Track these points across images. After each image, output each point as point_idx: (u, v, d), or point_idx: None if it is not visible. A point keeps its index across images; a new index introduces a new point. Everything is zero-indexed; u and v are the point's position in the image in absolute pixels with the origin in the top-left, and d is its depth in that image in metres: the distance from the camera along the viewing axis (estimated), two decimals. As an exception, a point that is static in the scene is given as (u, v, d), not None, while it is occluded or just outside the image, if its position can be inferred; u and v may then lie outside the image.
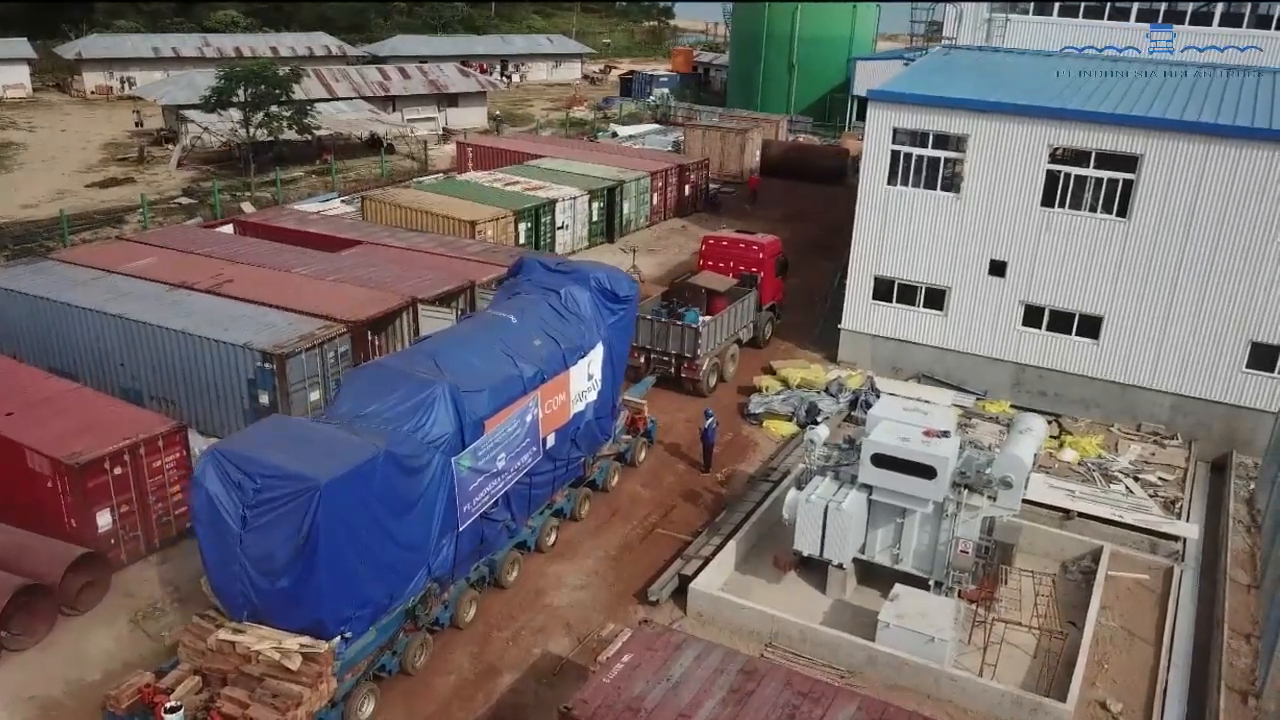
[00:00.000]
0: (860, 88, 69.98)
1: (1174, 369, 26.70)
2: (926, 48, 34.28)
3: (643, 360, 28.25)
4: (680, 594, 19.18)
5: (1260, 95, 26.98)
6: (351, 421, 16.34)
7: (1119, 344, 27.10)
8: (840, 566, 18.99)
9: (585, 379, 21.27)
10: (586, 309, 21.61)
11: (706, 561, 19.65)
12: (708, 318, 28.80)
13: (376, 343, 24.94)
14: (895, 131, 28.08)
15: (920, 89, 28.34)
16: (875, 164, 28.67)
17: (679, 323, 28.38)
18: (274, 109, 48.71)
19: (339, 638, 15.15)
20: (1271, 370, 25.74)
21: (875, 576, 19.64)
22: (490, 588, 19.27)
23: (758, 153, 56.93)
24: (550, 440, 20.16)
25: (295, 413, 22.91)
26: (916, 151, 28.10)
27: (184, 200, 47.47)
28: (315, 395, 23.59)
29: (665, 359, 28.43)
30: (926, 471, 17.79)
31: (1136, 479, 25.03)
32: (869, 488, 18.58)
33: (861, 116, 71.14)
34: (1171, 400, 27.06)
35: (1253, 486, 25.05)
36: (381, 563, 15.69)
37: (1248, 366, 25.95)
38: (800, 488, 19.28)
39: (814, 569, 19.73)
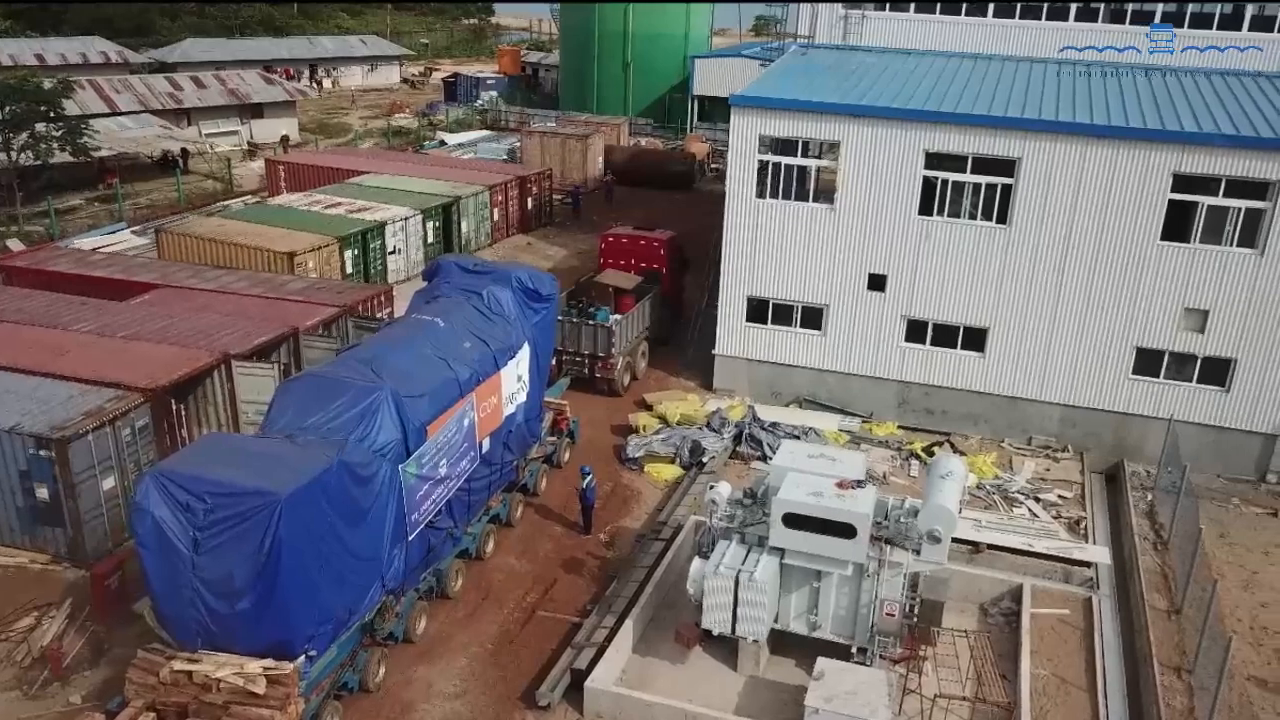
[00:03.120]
0: (700, 87, 69.79)
1: (1062, 379, 26.68)
2: (781, 44, 33.37)
3: (554, 362, 27.37)
4: (574, 691, 17.08)
5: (1138, 94, 27.33)
6: (293, 435, 16.22)
7: (1005, 356, 26.89)
8: (754, 641, 17.38)
9: (515, 380, 21.58)
10: (510, 309, 21.82)
11: (601, 651, 17.62)
12: (618, 316, 29.21)
13: (183, 412, 21.63)
14: (762, 139, 26.95)
15: (784, 93, 27.34)
16: (742, 175, 27.46)
17: (591, 322, 28.73)
18: (40, 128, 43.30)
19: (303, 657, 15.04)
20: (1157, 375, 26.05)
21: (790, 645, 18.17)
22: (438, 598, 19.54)
23: (600, 159, 55.35)
24: (485, 444, 20.44)
25: (84, 506, 19.56)
26: (785, 160, 27.08)
27: (-67, 239, 41.54)
28: (110, 483, 20.15)
29: (578, 359, 28.91)
30: (845, 530, 16.42)
31: (1037, 499, 24.72)
32: (781, 551, 17.05)
33: (703, 117, 71.23)
34: (1060, 411, 27.06)
35: (1150, 498, 25.21)
36: (340, 576, 15.75)
37: (1134, 373, 26.19)
38: (703, 554, 17.56)
39: (722, 641, 18.04)
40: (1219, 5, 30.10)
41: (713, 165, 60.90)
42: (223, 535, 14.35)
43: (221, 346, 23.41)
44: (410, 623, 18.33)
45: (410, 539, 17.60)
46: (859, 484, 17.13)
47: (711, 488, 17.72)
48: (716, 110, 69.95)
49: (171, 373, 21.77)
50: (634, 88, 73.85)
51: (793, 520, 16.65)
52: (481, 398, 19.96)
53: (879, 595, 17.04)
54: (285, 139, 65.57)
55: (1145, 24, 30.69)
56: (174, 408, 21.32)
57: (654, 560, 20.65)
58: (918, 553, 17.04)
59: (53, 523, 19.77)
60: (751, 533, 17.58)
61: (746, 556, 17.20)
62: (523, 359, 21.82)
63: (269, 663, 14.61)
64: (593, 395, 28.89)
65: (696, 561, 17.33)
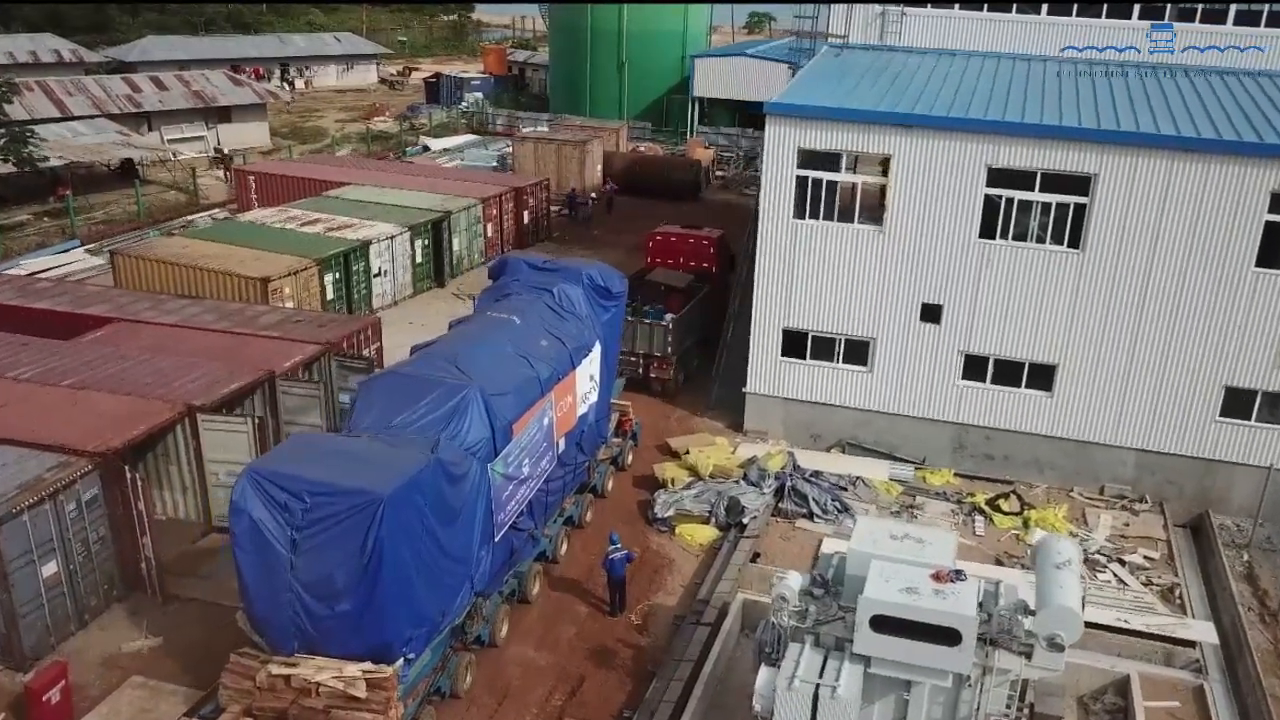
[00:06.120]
0: (701, 88, 67.48)
1: (1140, 421, 24.46)
2: (812, 44, 31.03)
3: None
4: (615, 828, 14.63)
5: (1219, 100, 25.15)
6: (381, 433, 16.34)
7: (1076, 396, 24.65)
8: (831, 764, 14.89)
9: (588, 379, 21.77)
10: (582, 307, 22.04)
11: (648, 776, 15.16)
12: (671, 315, 29.12)
13: (138, 478, 18.93)
14: (800, 152, 24.59)
15: (824, 99, 25.03)
16: (778, 193, 25.08)
17: (647, 321, 28.60)
18: (-23, 135, 40.52)
19: (401, 660, 15.08)
20: (1248, 418, 23.87)
21: (867, 760, 15.71)
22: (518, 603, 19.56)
23: (599, 166, 52.91)
24: (561, 444, 20.59)
25: (19, 599, 16.96)
26: (827, 176, 24.72)
27: None
28: (51, 568, 17.52)
29: (633, 359, 28.52)
30: (948, 636, 13.98)
31: (1122, 562, 22.43)
32: (865, 659, 14.60)
33: (704, 120, 68.95)
34: (1137, 457, 24.84)
35: (1246, 557, 22.99)
36: (434, 578, 15.81)
37: (1221, 415, 24.00)
38: (769, 660, 15.06)
39: (784, 756, 15.55)
40: (1241, 4, 28.22)
41: (717, 172, 58.57)
42: (322, 535, 14.43)
43: (184, 396, 20.83)
44: (495, 626, 18.35)
45: (496, 540, 17.73)
46: (957, 575, 14.70)
47: (779, 579, 15.22)
48: (719, 113, 67.76)
49: (125, 431, 19.13)
50: (629, 89, 71.44)
51: (882, 624, 14.20)
52: (559, 397, 20.15)
53: (981, 707, 14.63)
54: (224, 156, 57.49)
55: (1167, 20, 29.10)
56: (128, 474, 18.62)
57: (699, 651, 18.17)
58: (1028, 657, 14.65)
59: (-18, 618, 17.12)
60: (827, 633, 15.11)
61: (824, 664, 14.73)
62: (595, 358, 22.00)
63: (368, 666, 14.67)
64: (646, 397, 28.51)
65: (764, 672, 14.82)
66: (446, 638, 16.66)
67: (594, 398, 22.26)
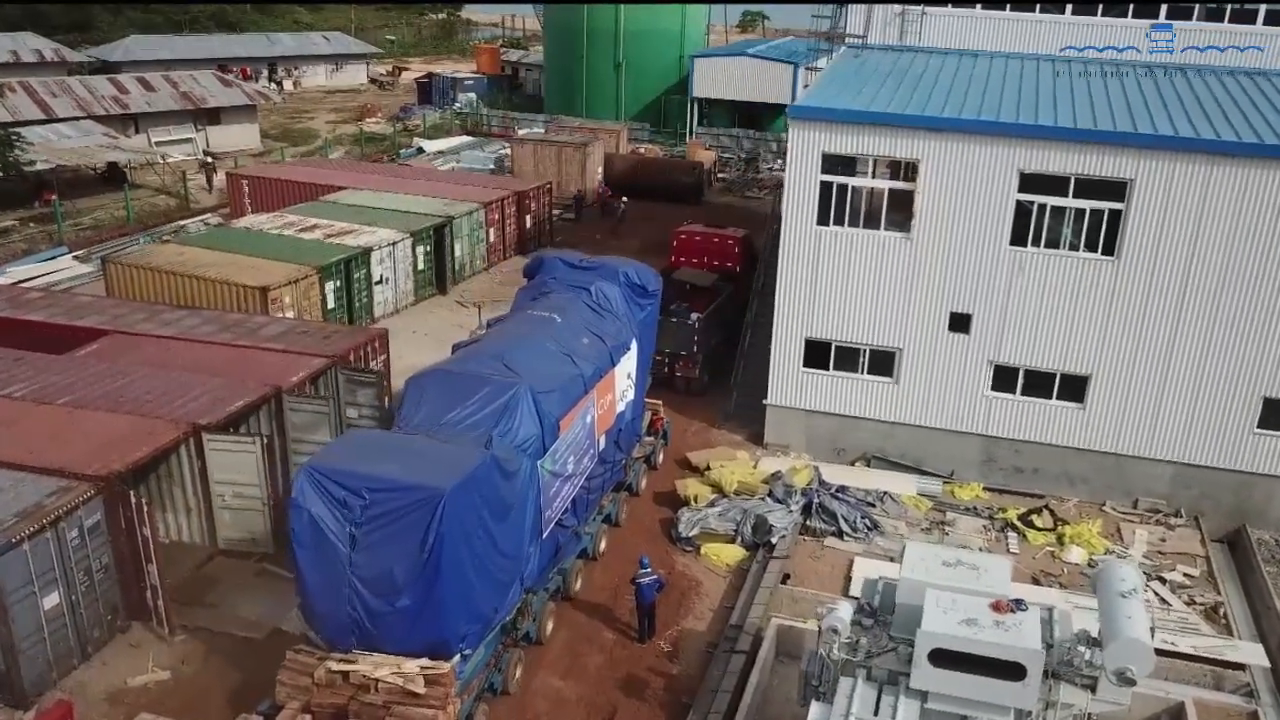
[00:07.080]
0: (700, 89, 66.83)
1: (1175, 434, 23.96)
2: (831, 45, 30.53)
3: None
4: None
5: (1253, 102, 24.62)
6: (432, 430, 16.65)
7: (1109, 407, 24.13)
8: (885, 806, 14.26)
9: (625, 377, 22.11)
10: (619, 305, 22.33)
11: (691, 820, 14.50)
12: (696, 314, 29.31)
13: (143, 502, 18.13)
14: (825, 157, 23.99)
15: (848, 102, 24.44)
16: (801, 199, 24.48)
17: (673, 319, 28.64)
18: (-43, 140, 39.59)
19: (458, 656, 15.36)
20: (1288, 429, 23.40)
21: (919, 798, 15.08)
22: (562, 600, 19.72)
23: (600, 169, 52.23)
24: (602, 441, 20.91)
25: (19, 632, 16.21)
26: (853, 182, 24.14)
27: None
28: (53, 599, 16.75)
29: (659, 358, 28.03)
30: (1012, 670, 13.37)
31: (1162, 580, 21.91)
32: (923, 694, 13.98)
33: (703, 121, 68.34)
34: (1172, 470, 24.34)
35: (1288, 575, 22.48)
36: (489, 574, 16.05)
37: (1259, 426, 23.52)
38: (819, 694, 14.44)
39: (831, 795, 14.91)
40: (1271, 4, 28.02)
41: (719, 175, 57.98)
42: (382, 531, 14.66)
43: (188, 414, 20.04)
44: (542, 624, 18.49)
45: (544, 536, 18.01)
46: (1018, 605, 14.10)
47: (829, 610, 14.59)
48: (718, 113, 67.20)
49: (128, 453, 18.34)
50: (626, 89, 70.70)
51: (942, 657, 13.58)
52: (600, 395, 20.41)
53: (1044, 745, 14.02)
54: (207, 161, 54.86)
55: (1195, 20, 28.92)
56: (131, 498, 17.84)
57: (736, 681, 17.50)
58: (1092, 690, 14.07)
59: (-20, 653, 16.34)
60: (879, 665, 14.49)
61: (879, 700, 14.10)
62: (632, 356, 22.29)
63: (425, 662, 14.95)
64: (671, 395, 28.42)
65: (816, 708, 14.18)
66: (498, 634, 16.88)
67: (631, 395, 22.57)
